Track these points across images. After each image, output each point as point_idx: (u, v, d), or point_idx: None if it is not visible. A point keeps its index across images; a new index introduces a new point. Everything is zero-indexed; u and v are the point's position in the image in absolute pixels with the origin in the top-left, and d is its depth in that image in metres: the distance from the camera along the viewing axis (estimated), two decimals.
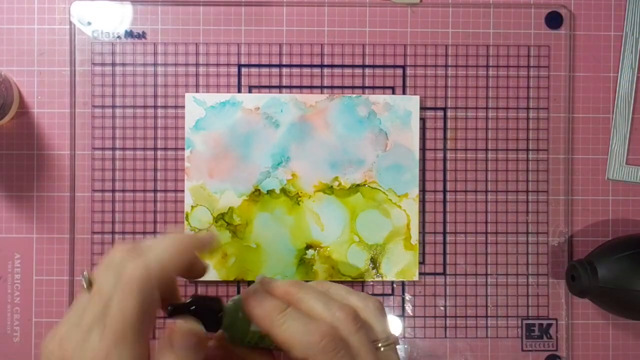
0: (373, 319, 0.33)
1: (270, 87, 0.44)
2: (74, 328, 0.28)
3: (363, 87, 0.44)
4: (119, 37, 0.43)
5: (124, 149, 0.43)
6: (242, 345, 0.34)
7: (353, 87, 0.44)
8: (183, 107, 0.43)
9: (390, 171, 0.44)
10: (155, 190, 0.43)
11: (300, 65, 0.44)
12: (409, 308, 0.44)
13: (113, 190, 0.43)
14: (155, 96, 0.43)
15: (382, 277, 0.43)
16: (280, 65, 0.44)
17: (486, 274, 0.44)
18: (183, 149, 0.43)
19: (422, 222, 0.44)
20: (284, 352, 0.32)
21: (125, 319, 0.28)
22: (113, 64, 0.43)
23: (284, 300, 0.33)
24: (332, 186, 0.43)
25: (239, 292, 0.43)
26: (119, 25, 0.43)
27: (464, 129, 0.44)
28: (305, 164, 0.43)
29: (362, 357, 0.31)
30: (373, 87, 0.44)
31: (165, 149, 0.43)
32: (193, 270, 0.33)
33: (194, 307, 0.32)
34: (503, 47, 0.44)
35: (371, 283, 0.44)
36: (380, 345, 0.32)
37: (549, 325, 0.44)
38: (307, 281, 0.44)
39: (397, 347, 0.34)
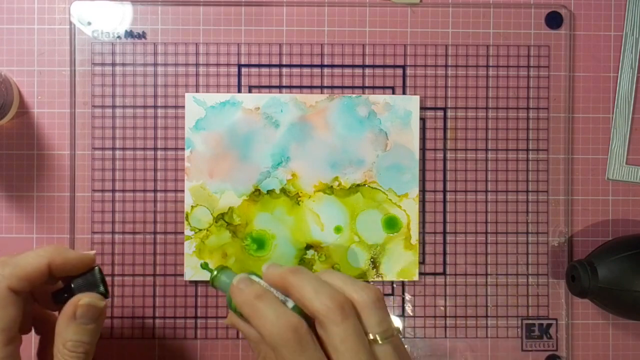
0: (368, 311, 0.32)
1: (270, 87, 0.44)
2: None
3: (363, 87, 0.44)
4: (119, 37, 0.43)
5: (124, 149, 0.43)
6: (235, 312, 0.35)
7: (353, 87, 0.44)
8: (183, 107, 0.43)
9: (390, 171, 0.44)
10: (155, 190, 0.43)
11: (300, 65, 0.44)
12: (409, 308, 0.44)
13: (113, 190, 0.43)
14: (155, 96, 0.43)
15: (382, 277, 0.43)
16: (280, 65, 0.44)
17: (486, 274, 0.44)
18: (183, 149, 0.43)
19: (422, 222, 0.44)
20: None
21: None
22: (113, 64, 0.43)
23: (280, 286, 0.33)
24: (332, 186, 0.43)
25: None
26: (119, 25, 0.43)
27: (464, 129, 0.44)
28: (305, 164, 0.43)
29: (345, 349, 0.30)
30: (373, 87, 0.44)
31: (165, 149, 0.44)
32: (68, 270, 0.34)
33: (73, 285, 0.34)
34: (503, 47, 0.44)
35: (371, 283, 0.44)
36: (377, 337, 0.31)
37: (549, 325, 0.44)
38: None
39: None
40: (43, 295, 0.35)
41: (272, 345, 0.31)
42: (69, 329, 0.32)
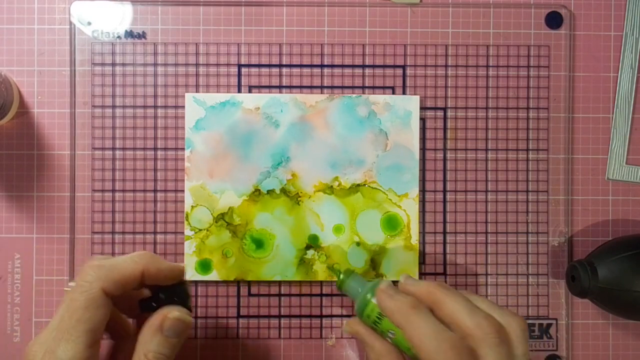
0: (515, 339, 0.32)
1: (270, 87, 0.44)
2: (47, 331, 0.31)
3: (363, 87, 0.44)
4: (119, 37, 0.43)
5: (124, 149, 0.43)
6: (361, 318, 0.36)
7: (353, 87, 0.44)
8: (183, 107, 0.43)
9: (390, 171, 0.44)
10: (155, 190, 0.43)
11: (300, 65, 0.44)
12: None
13: (113, 190, 0.43)
14: (155, 96, 0.43)
15: (382, 277, 0.43)
16: (280, 65, 0.44)
17: (486, 274, 0.44)
18: (183, 149, 0.43)
19: (422, 222, 0.44)
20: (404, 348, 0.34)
21: (70, 316, 0.31)
22: (113, 64, 0.43)
23: (426, 299, 0.34)
24: (332, 186, 0.43)
25: (239, 292, 0.43)
26: (119, 25, 0.43)
27: (464, 129, 0.44)
28: (305, 164, 0.43)
29: None
30: (373, 87, 0.44)
31: (165, 149, 0.44)
32: (159, 279, 0.34)
33: (162, 296, 0.34)
34: (503, 47, 0.44)
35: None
36: None
37: (549, 325, 0.44)
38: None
39: None
40: (124, 301, 0.35)
41: (429, 359, 0.31)
42: (154, 340, 0.32)
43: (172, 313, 0.33)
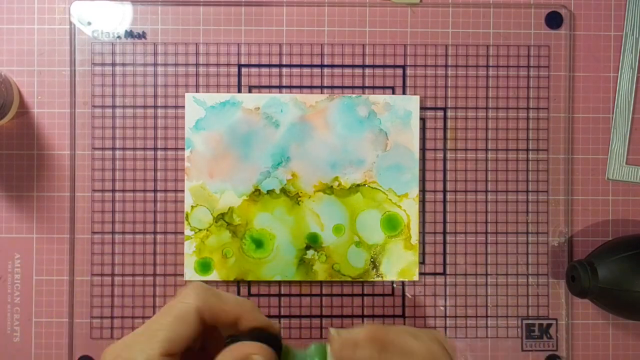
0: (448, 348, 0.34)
1: (270, 87, 0.44)
2: (130, 335, 0.31)
3: (363, 87, 0.44)
4: (119, 37, 0.43)
5: (124, 149, 0.43)
6: None
7: (353, 87, 0.44)
8: (183, 107, 0.43)
9: (390, 171, 0.44)
10: (155, 190, 0.43)
11: (300, 65, 0.44)
12: (409, 308, 0.44)
13: (113, 190, 0.43)
14: (155, 96, 0.43)
15: (382, 277, 0.43)
16: (280, 65, 0.44)
17: (486, 274, 0.44)
18: (183, 149, 0.43)
19: (422, 222, 0.44)
20: None
21: (158, 322, 0.30)
22: (113, 64, 0.43)
23: (375, 343, 0.33)
24: (332, 186, 0.43)
25: (239, 293, 0.43)
26: (119, 25, 0.43)
27: (464, 129, 0.44)
28: (305, 164, 0.43)
29: None
30: (373, 87, 0.44)
31: (165, 149, 0.44)
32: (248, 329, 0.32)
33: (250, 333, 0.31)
34: (503, 47, 0.44)
35: (371, 283, 0.44)
36: None
37: (549, 325, 0.44)
38: (308, 282, 0.43)
39: None
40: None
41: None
42: None
43: (253, 348, 0.30)
